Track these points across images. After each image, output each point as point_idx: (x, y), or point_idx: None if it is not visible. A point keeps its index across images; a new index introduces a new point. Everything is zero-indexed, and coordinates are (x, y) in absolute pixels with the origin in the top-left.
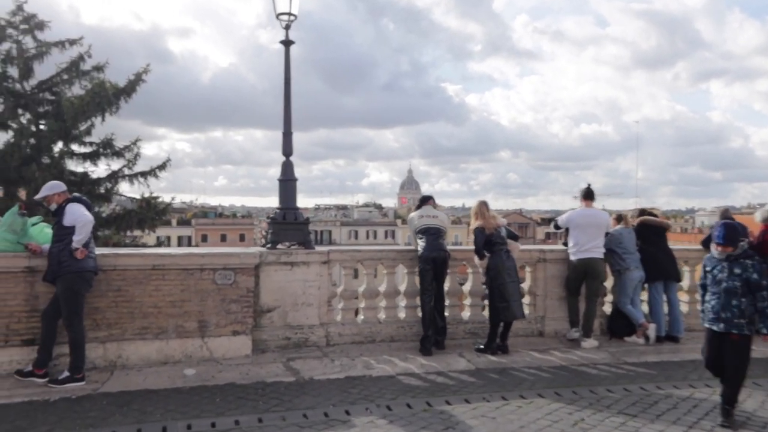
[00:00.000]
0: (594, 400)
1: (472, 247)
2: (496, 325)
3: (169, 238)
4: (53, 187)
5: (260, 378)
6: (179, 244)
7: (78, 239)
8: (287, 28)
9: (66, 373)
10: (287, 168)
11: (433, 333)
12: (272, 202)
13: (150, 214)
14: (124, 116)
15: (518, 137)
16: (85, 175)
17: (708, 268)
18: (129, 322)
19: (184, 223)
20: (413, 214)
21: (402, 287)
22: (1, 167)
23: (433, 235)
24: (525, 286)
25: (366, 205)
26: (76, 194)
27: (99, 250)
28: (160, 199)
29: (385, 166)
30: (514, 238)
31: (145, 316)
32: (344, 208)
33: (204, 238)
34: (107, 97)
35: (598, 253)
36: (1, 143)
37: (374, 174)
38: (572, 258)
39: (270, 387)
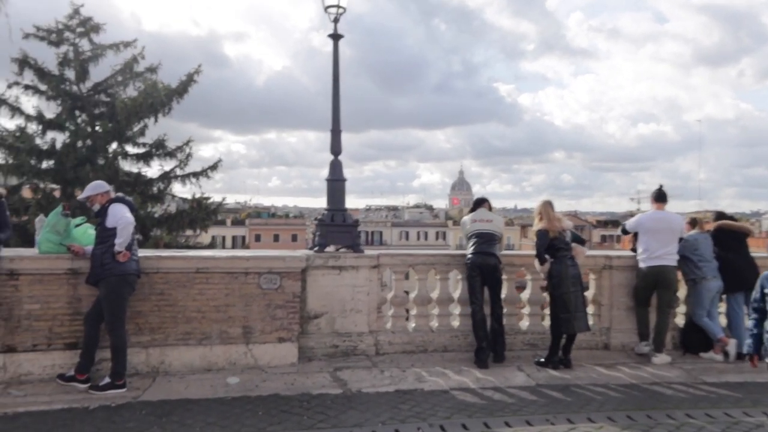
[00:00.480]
0: (673, 428)
1: (532, 251)
2: (559, 337)
3: (224, 237)
4: (96, 188)
5: (306, 389)
6: (233, 245)
7: (120, 242)
8: (336, 21)
9: (107, 380)
10: (335, 167)
11: (487, 344)
12: (323, 202)
13: (201, 214)
14: (181, 118)
15: (572, 137)
16: (138, 175)
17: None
18: (172, 327)
19: (238, 223)
20: (466, 218)
21: (455, 294)
22: (57, 168)
23: (483, 240)
24: (589, 294)
25: (417, 206)
26: (120, 194)
27: (141, 252)
28: (211, 200)
29: (437, 167)
30: (581, 242)
31: (188, 321)
32: (395, 209)
33: (257, 238)
34: (159, 98)
35: (671, 260)
36: (58, 144)
37: (425, 175)
38: (642, 265)
39: (316, 399)
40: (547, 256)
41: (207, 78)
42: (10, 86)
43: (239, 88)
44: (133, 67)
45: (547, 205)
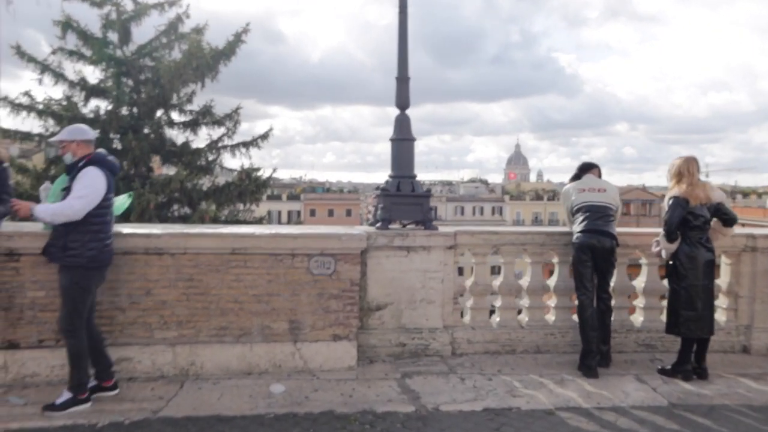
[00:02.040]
0: None
1: (651, 229)
2: (691, 340)
3: (279, 212)
4: (74, 132)
5: (368, 404)
6: (289, 219)
7: (52, 214)
8: None
9: (67, 395)
10: (402, 125)
11: (598, 347)
12: (378, 177)
13: (251, 186)
14: (238, 95)
15: (636, 108)
16: (185, 144)
17: None
18: (204, 321)
19: (293, 198)
20: (569, 187)
21: (552, 282)
22: (102, 137)
23: (596, 215)
24: (722, 283)
25: (472, 181)
26: (101, 151)
27: (168, 228)
28: (261, 171)
29: (492, 141)
30: (729, 222)
31: (223, 314)
32: (450, 183)
33: (312, 213)
34: (205, 60)
35: None
36: (102, 112)
37: (480, 149)
38: None
39: (381, 420)
40: (677, 233)
41: (263, 54)
42: (54, 52)
43: (295, 64)
44: (177, 27)
45: (692, 163)
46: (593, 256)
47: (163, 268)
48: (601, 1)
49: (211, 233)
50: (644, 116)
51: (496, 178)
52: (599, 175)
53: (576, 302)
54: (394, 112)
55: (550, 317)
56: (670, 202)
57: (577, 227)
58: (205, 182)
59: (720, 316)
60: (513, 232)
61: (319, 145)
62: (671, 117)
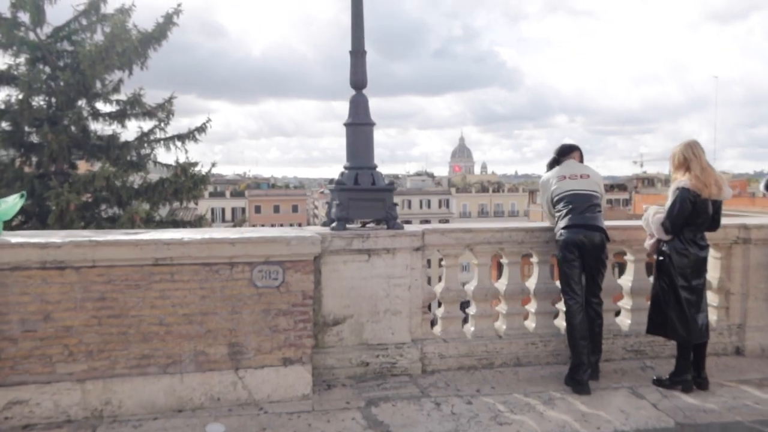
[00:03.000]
0: None
1: (635, 222)
2: (688, 347)
3: (223, 209)
4: None
5: None
6: (233, 217)
7: None
8: None
9: None
10: (359, 106)
11: (588, 359)
12: (324, 172)
13: (187, 183)
14: (178, 90)
15: (575, 101)
16: (112, 137)
17: None
18: (121, 349)
19: (237, 195)
20: (549, 174)
21: (531, 284)
22: (13, 130)
23: (581, 205)
24: (711, 279)
25: (419, 174)
26: None
27: (71, 235)
28: (199, 166)
29: (437, 135)
30: (715, 227)
31: (145, 339)
32: (396, 177)
33: (257, 209)
34: (131, 44)
35: None
36: (14, 101)
37: (425, 143)
38: None
39: None
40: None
41: (203, 48)
42: None
43: (236, 57)
44: (99, 7)
45: (696, 146)
46: (581, 254)
47: (66, 286)
48: None
49: (126, 240)
50: (582, 108)
51: (441, 171)
52: (581, 160)
53: (558, 307)
54: (339, 107)
55: (530, 323)
56: (677, 192)
57: (562, 222)
58: (136, 179)
59: (710, 316)
60: (488, 229)
61: (263, 141)
62: (607, 109)
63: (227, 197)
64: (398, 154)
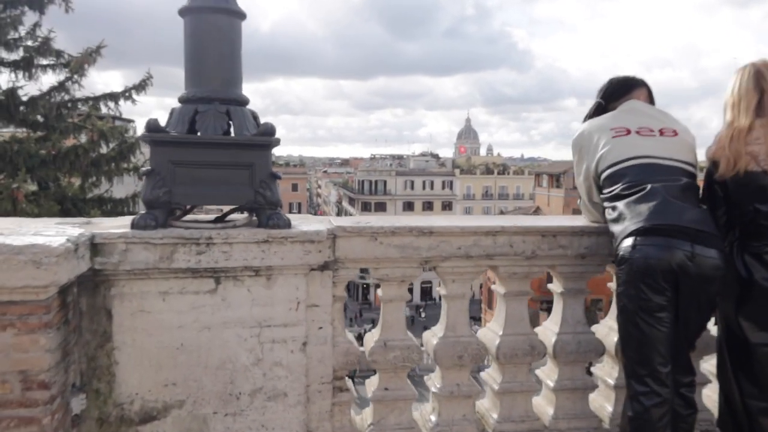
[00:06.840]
0: None
1: None
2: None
3: None
4: None
5: None
6: None
7: None
8: None
9: None
10: None
11: None
12: (329, 152)
13: (110, 152)
14: (181, 65)
15: (585, 84)
16: (12, 92)
17: None
18: None
19: None
20: (590, 125)
21: (548, 333)
22: None
23: (667, 188)
24: None
25: (423, 155)
26: None
27: None
28: (129, 131)
29: (444, 116)
30: None
31: None
32: (400, 157)
33: None
34: None
35: None
36: None
37: (432, 124)
38: None
39: None
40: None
41: None
42: None
43: (245, 33)
44: None
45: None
46: (675, 292)
47: None
48: None
49: None
50: (592, 92)
51: (447, 153)
52: (650, 99)
53: (598, 373)
54: (348, 85)
55: (544, 407)
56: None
57: (627, 221)
58: (41, 146)
59: None
60: (468, 230)
61: (269, 118)
62: None
63: None
64: (405, 134)
